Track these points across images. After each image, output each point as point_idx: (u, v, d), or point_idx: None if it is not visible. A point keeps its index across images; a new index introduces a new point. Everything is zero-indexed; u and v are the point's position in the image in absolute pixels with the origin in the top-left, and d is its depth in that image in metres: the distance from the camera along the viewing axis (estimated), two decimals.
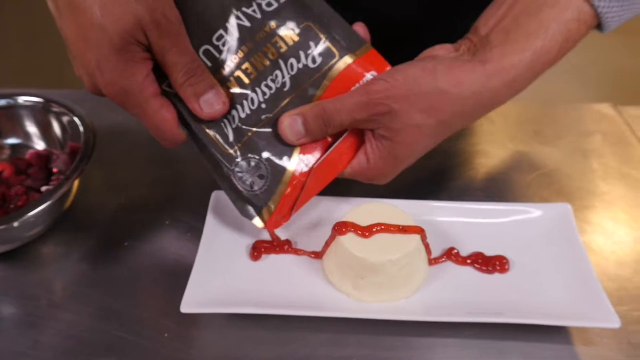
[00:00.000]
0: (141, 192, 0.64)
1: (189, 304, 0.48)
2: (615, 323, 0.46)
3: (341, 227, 0.51)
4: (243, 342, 0.49)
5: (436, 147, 0.69)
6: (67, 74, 1.30)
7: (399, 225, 0.51)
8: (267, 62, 0.51)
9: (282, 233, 0.56)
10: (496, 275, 0.53)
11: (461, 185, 0.65)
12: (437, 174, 0.66)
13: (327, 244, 0.52)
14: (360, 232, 0.50)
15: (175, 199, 0.63)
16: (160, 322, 0.51)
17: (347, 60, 0.52)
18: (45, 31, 1.24)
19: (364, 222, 0.51)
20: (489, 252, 0.54)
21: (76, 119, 0.59)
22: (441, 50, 0.50)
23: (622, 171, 0.67)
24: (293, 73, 0.51)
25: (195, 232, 0.58)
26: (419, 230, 0.51)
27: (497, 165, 0.68)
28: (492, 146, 0.71)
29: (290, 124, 0.50)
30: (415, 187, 0.64)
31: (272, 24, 0.52)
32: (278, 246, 0.54)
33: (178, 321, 0.50)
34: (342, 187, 0.64)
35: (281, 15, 0.52)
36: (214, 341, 0.49)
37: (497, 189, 0.65)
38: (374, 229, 0.50)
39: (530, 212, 0.57)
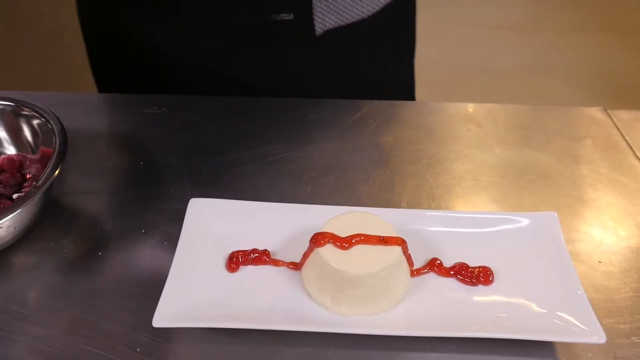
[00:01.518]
0: (116, 200, 0.62)
1: (161, 318, 0.47)
2: (600, 338, 0.45)
3: (319, 239, 0.49)
4: (218, 357, 0.47)
5: (421, 153, 0.68)
6: (49, 77, 1.28)
7: (379, 236, 0.49)
8: None
9: (260, 243, 0.54)
10: (480, 287, 0.51)
11: (446, 193, 0.63)
12: (421, 181, 0.65)
13: (306, 255, 0.51)
14: (339, 244, 0.49)
15: (152, 206, 0.61)
16: (132, 336, 0.49)
17: None
18: (28, 33, 1.22)
19: (343, 232, 0.49)
20: (473, 262, 0.53)
21: (48, 123, 0.57)
22: None
23: (611, 177, 0.66)
24: None
25: (172, 240, 0.56)
26: (400, 242, 0.49)
27: (484, 171, 0.66)
28: (479, 152, 0.69)
29: None
30: (398, 195, 0.63)
31: None
32: (256, 257, 0.53)
33: (151, 335, 0.49)
34: (324, 195, 0.62)
35: None
36: (188, 356, 0.48)
37: (483, 196, 0.63)
38: (353, 240, 0.49)
39: (516, 222, 0.55)
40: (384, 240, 0.49)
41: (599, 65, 2.31)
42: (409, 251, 0.50)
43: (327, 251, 0.48)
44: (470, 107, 0.76)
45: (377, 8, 0.77)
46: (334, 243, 0.49)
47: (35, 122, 0.59)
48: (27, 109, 0.59)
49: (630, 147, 0.70)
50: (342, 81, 0.82)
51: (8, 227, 0.51)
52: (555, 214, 0.55)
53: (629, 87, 2.14)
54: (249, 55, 0.78)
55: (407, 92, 0.91)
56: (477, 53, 2.35)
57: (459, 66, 2.28)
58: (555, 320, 0.48)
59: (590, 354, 0.48)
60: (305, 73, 0.79)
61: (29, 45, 1.19)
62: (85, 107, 0.75)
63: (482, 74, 2.23)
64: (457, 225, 0.55)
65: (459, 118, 0.74)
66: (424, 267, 0.52)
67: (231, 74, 0.79)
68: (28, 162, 0.61)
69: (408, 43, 0.88)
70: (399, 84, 0.91)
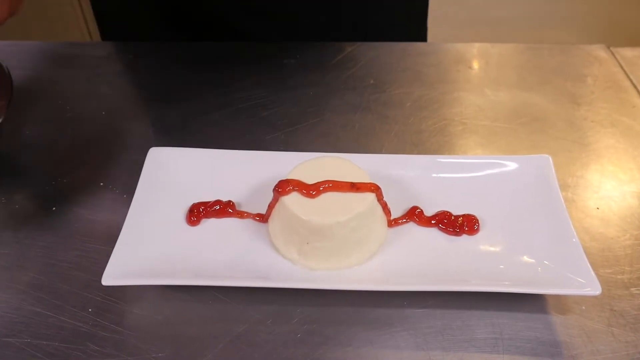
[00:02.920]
0: (75, 151, 0.58)
1: (112, 276, 0.42)
2: (595, 290, 0.40)
3: (284, 187, 0.44)
4: (176, 317, 0.43)
5: (405, 96, 0.63)
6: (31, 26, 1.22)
7: (350, 183, 0.44)
8: None
9: (224, 194, 0.50)
10: (464, 237, 0.47)
11: (431, 138, 0.58)
12: (405, 126, 0.59)
13: (271, 206, 0.46)
14: (305, 192, 0.44)
15: (112, 158, 0.57)
16: (84, 295, 0.45)
17: None
18: None
19: (311, 179, 0.45)
20: (457, 210, 0.48)
21: None
22: None
23: (612, 118, 0.61)
24: None
25: (132, 194, 0.51)
26: (374, 188, 0.44)
27: (473, 114, 0.61)
28: (469, 94, 0.64)
29: None
30: (379, 141, 0.58)
31: None
32: (219, 209, 0.48)
33: (104, 294, 0.45)
34: (298, 143, 0.58)
35: None
36: (144, 317, 0.44)
37: (471, 140, 0.58)
38: (321, 188, 0.44)
39: (504, 166, 0.50)
40: (355, 187, 0.44)
41: (608, 13, 2.21)
42: (384, 199, 0.46)
43: (293, 200, 0.44)
44: (461, 46, 0.70)
45: None
46: (300, 191, 0.44)
47: None
48: None
49: (635, 86, 0.65)
50: (364, 23, 0.76)
51: None
52: (549, 157, 0.50)
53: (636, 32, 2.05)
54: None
55: (421, 33, 0.84)
56: (480, 4, 2.26)
57: (463, 18, 2.19)
58: (546, 271, 0.43)
59: (584, 307, 0.43)
60: (328, 16, 0.72)
61: None
62: (47, 56, 0.70)
63: (486, 25, 2.15)
64: (440, 170, 0.50)
65: (448, 59, 0.69)
66: (402, 217, 0.48)
67: (256, 17, 0.73)
68: None
69: None
70: (415, 25, 0.83)
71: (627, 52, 0.70)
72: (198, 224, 0.48)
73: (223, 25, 0.73)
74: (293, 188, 0.44)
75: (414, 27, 0.80)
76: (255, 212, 0.48)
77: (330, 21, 0.74)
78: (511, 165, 0.50)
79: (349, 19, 0.74)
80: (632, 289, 0.45)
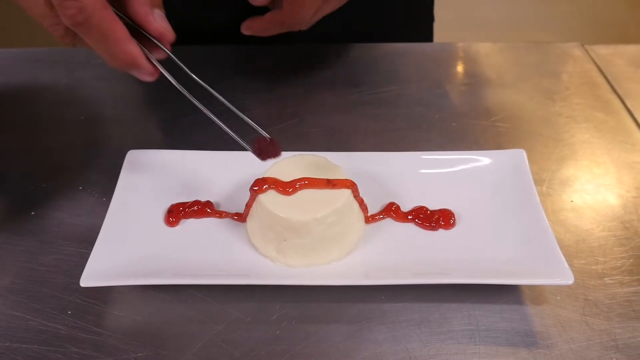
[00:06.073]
0: (53, 156, 0.58)
1: (90, 277, 0.42)
2: (568, 279, 0.41)
3: (260, 185, 0.45)
4: (156, 318, 0.43)
5: (383, 95, 0.64)
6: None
7: (326, 180, 0.45)
8: None
9: (203, 194, 0.50)
10: (440, 231, 0.47)
11: (408, 136, 0.59)
12: (382, 125, 0.60)
13: (249, 205, 0.47)
14: (281, 189, 0.44)
15: (91, 161, 0.57)
16: (63, 298, 0.45)
17: None
18: None
19: (288, 177, 0.45)
20: (433, 206, 0.49)
21: None
22: None
23: (586, 114, 0.62)
24: None
25: (111, 197, 0.51)
26: (350, 184, 0.45)
27: (450, 112, 0.62)
28: (446, 92, 0.65)
29: None
30: (355, 140, 0.58)
31: None
32: (198, 209, 0.48)
33: (83, 297, 0.45)
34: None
35: None
36: (123, 318, 0.44)
37: (448, 137, 0.59)
38: (297, 185, 0.44)
39: (479, 161, 0.51)
40: (331, 184, 0.45)
41: (592, 15, 2.24)
42: (360, 195, 0.46)
43: (269, 198, 0.44)
44: (439, 46, 0.71)
45: None
46: (276, 188, 0.44)
47: None
48: None
49: (608, 82, 0.66)
50: (376, 24, 0.75)
51: None
52: (522, 151, 0.51)
53: (623, 37, 2.08)
54: None
55: (429, 32, 0.83)
56: (460, 6, 2.28)
57: (447, 21, 2.21)
58: (520, 263, 0.44)
59: (559, 297, 0.44)
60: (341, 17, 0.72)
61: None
62: (26, 62, 0.70)
63: (466, 28, 2.17)
64: (416, 166, 0.51)
65: (424, 58, 0.70)
66: (379, 213, 0.48)
67: None
68: None
69: None
70: (423, 25, 0.83)
71: (601, 50, 0.71)
72: (177, 224, 0.48)
73: (198, 28, 0.73)
74: (269, 186, 0.44)
75: (417, 29, 0.79)
76: (233, 211, 0.49)
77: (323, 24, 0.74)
78: (486, 160, 0.51)
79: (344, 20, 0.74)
80: (605, 279, 0.45)
